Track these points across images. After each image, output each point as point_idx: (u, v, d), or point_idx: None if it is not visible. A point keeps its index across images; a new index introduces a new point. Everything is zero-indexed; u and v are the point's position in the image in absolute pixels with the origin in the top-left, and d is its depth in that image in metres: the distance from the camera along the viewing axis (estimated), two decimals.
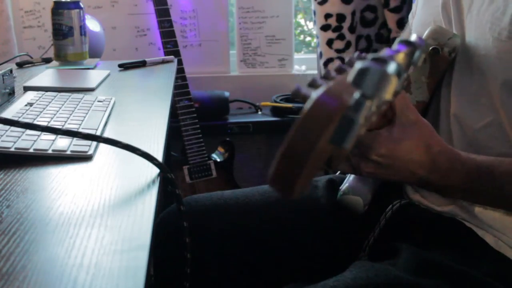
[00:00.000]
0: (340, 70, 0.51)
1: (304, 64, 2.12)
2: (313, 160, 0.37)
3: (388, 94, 0.37)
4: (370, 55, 0.40)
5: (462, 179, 0.66)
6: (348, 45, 1.85)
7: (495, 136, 0.73)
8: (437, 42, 0.77)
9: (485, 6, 0.72)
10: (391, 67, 0.38)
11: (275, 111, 1.94)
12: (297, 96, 0.41)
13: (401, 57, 0.45)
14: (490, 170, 0.66)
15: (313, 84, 0.45)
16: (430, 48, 0.77)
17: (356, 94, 0.37)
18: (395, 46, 0.49)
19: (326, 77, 0.50)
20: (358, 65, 0.37)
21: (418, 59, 0.49)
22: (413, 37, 0.52)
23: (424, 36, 0.79)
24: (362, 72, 0.37)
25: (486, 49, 0.72)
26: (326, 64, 1.87)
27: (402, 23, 1.80)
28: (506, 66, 0.70)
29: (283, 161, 0.37)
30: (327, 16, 1.82)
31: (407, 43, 0.49)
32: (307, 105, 0.38)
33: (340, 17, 1.82)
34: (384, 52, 0.45)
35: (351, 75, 0.38)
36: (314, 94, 0.39)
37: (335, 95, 0.38)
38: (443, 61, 0.77)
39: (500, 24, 0.69)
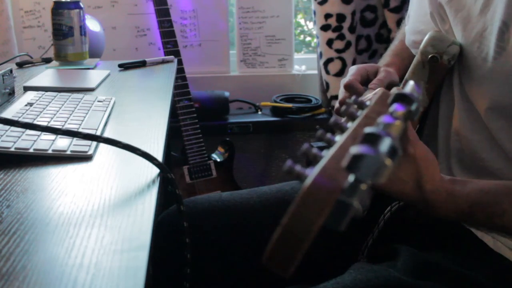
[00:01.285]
0: (336, 126, 0.50)
1: (304, 64, 2.12)
2: (309, 242, 0.38)
3: (383, 178, 0.38)
4: (366, 129, 0.40)
5: (454, 213, 0.64)
6: (348, 45, 1.85)
7: (489, 150, 0.73)
8: (436, 50, 0.76)
9: (472, 24, 0.72)
10: (385, 147, 0.39)
11: (275, 111, 1.94)
12: (290, 174, 0.42)
13: (396, 127, 0.45)
14: (484, 207, 0.64)
15: (307, 155, 0.45)
16: (429, 56, 0.77)
17: (351, 178, 0.38)
18: (392, 106, 0.48)
19: (321, 139, 0.49)
20: (353, 150, 0.38)
21: (416, 112, 0.50)
22: (409, 88, 0.51)
23: (423, 42, 0.78)
24: (356, 158, 0.38)
25: (474, 68, 0.72)
26: (326, 64, 1.87)
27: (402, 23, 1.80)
28: (492, 87, 0.69)
29: (281, 243, 0.39)
30: (327, 16, 1.82)
31: (403, 99, 0.49)
32: (303, 186, 0.39)
33: (340, 17, 1.82)
34: (381, 121, 0.44)
35: (345, 159, 0.38)
36: (310, 176, 0.39)
37: (330, 178, 0.39)
38: (442, 68, 0.77)
39: (488, 44, 0.69)
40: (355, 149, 0.38)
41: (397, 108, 0.48)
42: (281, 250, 0.39)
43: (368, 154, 0.37)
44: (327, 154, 0.43)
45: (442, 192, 0.62)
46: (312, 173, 0.40)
